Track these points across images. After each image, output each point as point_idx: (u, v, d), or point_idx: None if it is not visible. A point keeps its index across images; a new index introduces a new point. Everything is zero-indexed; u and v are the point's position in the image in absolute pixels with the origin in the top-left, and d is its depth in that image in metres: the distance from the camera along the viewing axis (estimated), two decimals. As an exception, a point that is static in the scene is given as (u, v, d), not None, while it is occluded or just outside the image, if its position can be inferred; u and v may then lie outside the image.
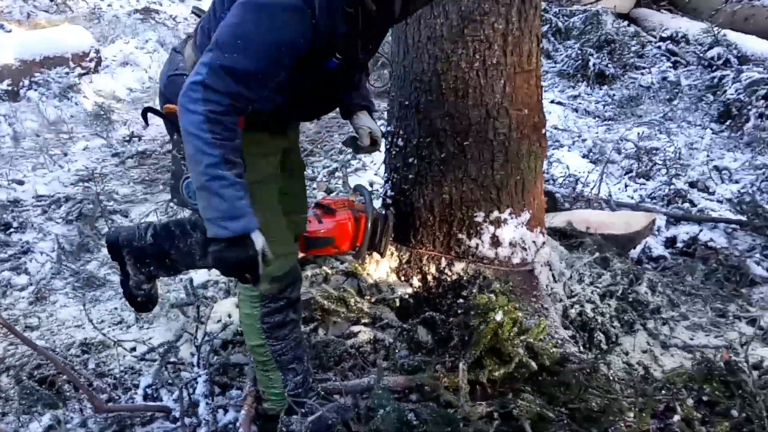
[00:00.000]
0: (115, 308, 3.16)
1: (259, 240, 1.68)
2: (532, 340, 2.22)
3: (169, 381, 2.39)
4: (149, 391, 2.40)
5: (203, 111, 1.57)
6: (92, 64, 6.83)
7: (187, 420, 2.20)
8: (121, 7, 10.58)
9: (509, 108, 2.42)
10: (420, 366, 2.43)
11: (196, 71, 1.60)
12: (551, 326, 2.53)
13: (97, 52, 6.97)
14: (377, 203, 2.99)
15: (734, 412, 2.14)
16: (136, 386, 2.45)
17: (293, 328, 2.08)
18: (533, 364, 2.18)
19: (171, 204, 4.00)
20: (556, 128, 5.30)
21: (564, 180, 4.25)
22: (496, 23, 2.32)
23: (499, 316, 2.17)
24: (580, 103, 6.10)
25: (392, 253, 2.66)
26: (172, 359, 2.54)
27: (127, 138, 5.39)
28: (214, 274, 3.14)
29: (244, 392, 2.24)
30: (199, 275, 3.18)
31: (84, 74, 6.67)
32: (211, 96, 1.58)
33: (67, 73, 6.40)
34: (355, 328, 2.58)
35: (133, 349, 2.72)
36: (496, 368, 2.20)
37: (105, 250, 3.69)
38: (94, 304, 3.17)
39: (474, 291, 2.46)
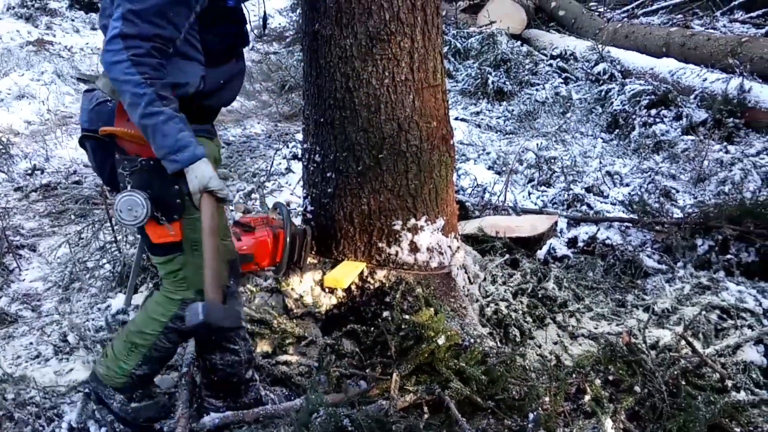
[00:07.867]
0: (30, 343, 3.05)
1: (207, 170, 1.84)
2: (464, 364, 2.35)
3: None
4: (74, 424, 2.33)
5: (127, 57, 1.73)
6: (-15, 98, 6.55)
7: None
8: (12, 39, 10.19)
9: (419, 121, 2.58)
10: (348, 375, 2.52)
11: (111, 27, 1.75)
12: (470, 324, 2.69)
13: (-10, 85, 6.68)
14: (297, 220, 3.06)
15: (637, 388, 2.34)
16: (60, 417, 2.38)
17: (183, 343, 2.21)
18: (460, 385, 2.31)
19: (81, 236, 3.92)
20: (462, 143, 5.55)
21: (473, 190, 4.47)
22: (402, 42, 2.47)
23: (441, 340, 2.34)
24: (482, 119, 6.42)
25: (315, 266, 2.74)
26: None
27: (29, 171, 5.20)
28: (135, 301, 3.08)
29: (177, 415, 2.24)
30: (117, 301, 3.14)
31: (-22, 109, 6.38)
32: (130, 43, 1.74)
33: (-41, 108, 6.10)
34: (281, 358, 2.60)
35: (53, 386, 2.64)
36: (426, 379, 2.35)
37: (15, 286, 3.59)
38: (8, 340, 3.05)
39: (397, 296, 2.58)
